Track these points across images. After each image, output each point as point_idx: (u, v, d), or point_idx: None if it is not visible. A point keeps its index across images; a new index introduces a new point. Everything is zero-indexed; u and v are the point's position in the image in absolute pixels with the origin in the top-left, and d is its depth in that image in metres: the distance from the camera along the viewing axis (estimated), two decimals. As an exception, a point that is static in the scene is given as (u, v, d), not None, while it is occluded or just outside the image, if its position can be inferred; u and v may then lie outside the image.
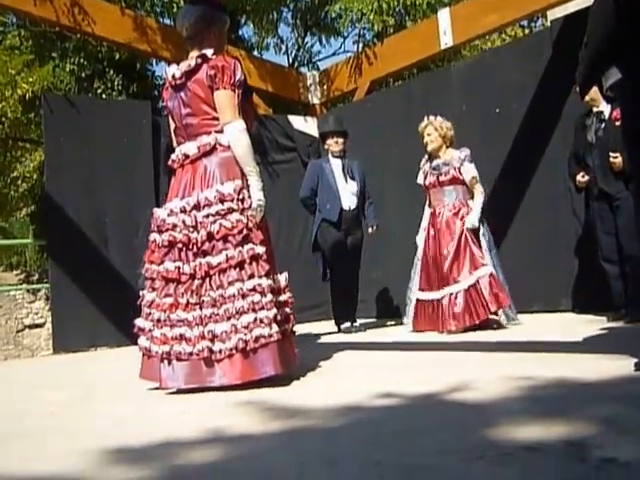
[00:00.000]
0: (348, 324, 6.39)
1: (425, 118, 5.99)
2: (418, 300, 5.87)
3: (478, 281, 5.54)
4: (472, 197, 5.82)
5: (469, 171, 5.75)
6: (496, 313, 5.59)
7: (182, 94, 3.59)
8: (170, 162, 3.68)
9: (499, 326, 5.62)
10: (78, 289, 7.03)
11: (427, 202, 6.05)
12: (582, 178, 5.32)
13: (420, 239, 6.00)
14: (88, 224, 7.29)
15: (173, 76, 3.62)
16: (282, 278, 3.60)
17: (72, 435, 2.49)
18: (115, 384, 3.98)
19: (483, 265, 5.60)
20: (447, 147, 5.90)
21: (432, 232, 5.86)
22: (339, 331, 6.44)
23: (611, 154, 5.01)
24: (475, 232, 5.71)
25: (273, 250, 3.64)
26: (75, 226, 7.20)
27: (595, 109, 5.27)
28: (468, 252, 5.64)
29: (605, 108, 5.20)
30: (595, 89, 4.88)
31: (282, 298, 3.54)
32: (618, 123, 4.89)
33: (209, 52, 3.54)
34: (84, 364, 5.83)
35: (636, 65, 2.73)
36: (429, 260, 5.84)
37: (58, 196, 7.19)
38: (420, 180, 6.04)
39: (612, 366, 2.97)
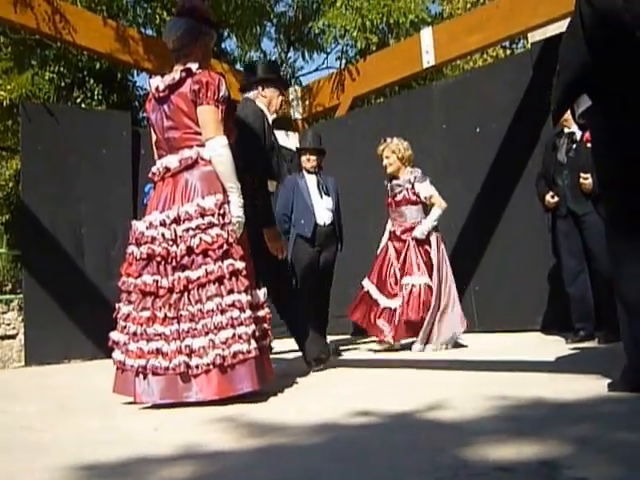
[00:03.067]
0: None
1: (382, 140, 6.13)
2: (368, 293, 5.99)
3: (411, 290, 5.72)
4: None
5: (422, 190, 5.91)
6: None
7: (165, 107, 3.58)
8: (150, 175, 3.66)
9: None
10: (52, 300, 6.97)
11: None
12: (552, 199, 5.36)
13: (384, 237, 6.18)
14: (64, 234, 7.24)
15: (157, 88, 3.61)
16: (260, 294, 3.59)
17: (42, 450, 2.46)
18: (88, 398, 3.94)
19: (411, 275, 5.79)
20: (405, 167, 6.05)
21: (390, 247, 6.05)
22: None
23: (582, 175, 5.07)
24: (423, 247, 5.84)
25: (252, 266, 3.63)
26: (50, 236, 7.14)
27: (567, 130, 5.32)
28: (408, 263, 5.82)
29: (577, 129, 5.25)
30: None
31: (260, 314, 3.52)
32: (590, 145, 4.97)
33: (194, 66, 3.53)
34: (57, 377, 5.77)
35: (606, 94, 2.84)
36: (382, 266, 6.02)
37: (34, 205, 7.13)
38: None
39: (586, 386, 2.99)
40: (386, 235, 6.14)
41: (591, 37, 2.75)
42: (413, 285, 5.73)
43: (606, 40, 2.71)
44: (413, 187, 5.91)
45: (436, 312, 5.69)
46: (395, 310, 5.76)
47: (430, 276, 5.76)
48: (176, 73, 3.56)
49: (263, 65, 5.16)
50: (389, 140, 6.07)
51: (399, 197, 5.98)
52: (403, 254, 5.87)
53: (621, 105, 2.81)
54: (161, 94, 3.59)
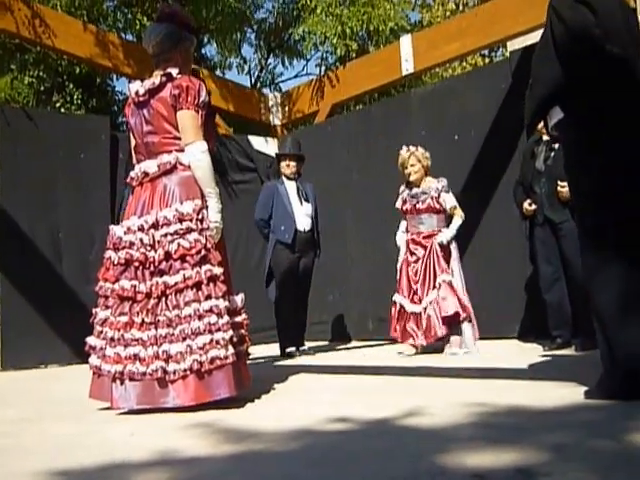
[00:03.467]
0: (293, 348, 6.33)
1: (405, 148, 6.12)
2: (401, 306, 5.98)
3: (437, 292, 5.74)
4: (447, 225, 6.00)
5: (448, 201, 5.96)
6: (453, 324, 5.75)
7: (144, 111, 3.57)
8: (129, 179, 3.64)
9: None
10: (30, 305, 6.91)
11: (405, 227, 6.20)
12: (529, 206, 5.38)
13: (402, 247, 6.15)
14: (42, 239, 7.18)
15: (136, 93, 3.59)
16: (238, 299, 3.57)
17: (19, 455, 2.44)
18: (65, 403, 3.90)
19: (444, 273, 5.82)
20: (426, 176, 6.08)
21: (409, 254, 6.04)
22: (282, 355, 6.36)
23: (559, 183, 5.09)
24: (445, 252, 5.88)
25: (230, 271, 3.62)
26: (29, 240, 7.08)
27: (545, 137, 5.34)
28: (432, 268, 5.83)
29: None
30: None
31: (238, 319, 3.51)
32: None
33: (174, 71, 3.52)
34: (34, 382, 5.72)
35: (579, 108, 2.99)
36: (407, 274, 6.01)
37: (12, 209, 7.06)
38: (398, 205, 6.18)
39: (563, 394, 3.01)
40: (404, 247, 6.11)
41: (563, 52, 2.91)
42: (451, 281, 5.76)
43: (578, 55, 2.87)
44: (439, 196, 5.95)
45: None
46: (420, 314, 5.77)
47: None
48: (156, 78, 3.55)
49: None
50: (413, 148, 6.09)
51: (422, 205, 5.98)
52: (425, 257, 5.86)
53: (592, 119, 2.93)
54: (141, 98, 3.58)
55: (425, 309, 5.72)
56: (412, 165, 6.04)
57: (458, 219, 5.97)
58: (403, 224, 6.20)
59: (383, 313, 7.57)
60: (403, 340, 5.98)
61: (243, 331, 3.54)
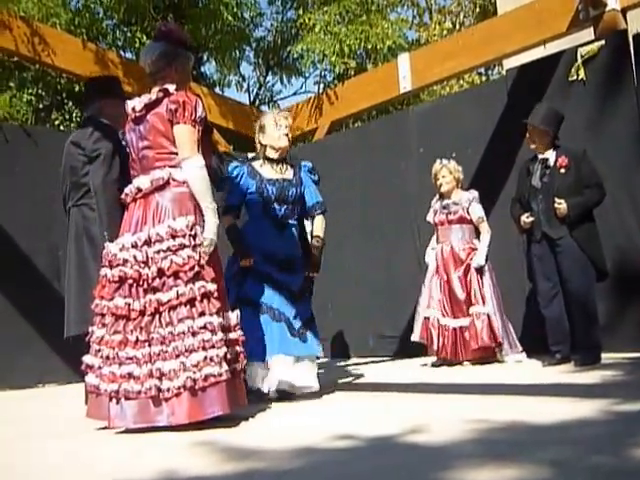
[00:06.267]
0: None
1: (438, 160, 6.33)
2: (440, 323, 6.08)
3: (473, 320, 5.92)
4: (478, 237, 6.19)
5: (476, 212, 6.14)
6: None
7: (141, 127, 3.57)
8: (123, 196, 3.64)
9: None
10: (27, 323, 6.87)
11: (435, 239, 6.38)
12: (527, 219, 5.36)
13: (431, 264, 6.28)
14: (40, 257, 7.16)
15: (133, 109, 3.60)
16: (233, 316, 3.54)
17: (16, 474, 2.43)
18: (63, 422, 3.89)
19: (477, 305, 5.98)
20: (457, 188, 6.28)
21: (440, 265, 6.18)
22: None
23: (556, 199, 5.12)
24: (480, 271, 6.04)
25: (225, 287, 3.62)
26: (27, 259, 7.07)
27: (540, 155, 5.38)
28: (472, 289, 6.02)
29: (550, 155, 5.32)
30: (541, 136, 5.26)
31: (233, 336, 3.47)
32: (563, 170, 5.13)
33: (171, 87, 3.53)
34: (31, 401, 5.70)
35: None
36: (441, 287, 6.15)
37: (11, 227, 7.06)
38: (430, 218, 6.38)
39: (562, 409, 3.01)
40: (433, 264, 6.24)
41: None
42: (482, 313, 5.92)
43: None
44: (470, 206, 6.13)
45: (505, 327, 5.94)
46: (456, 330, 5.96)
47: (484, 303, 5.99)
48: (153, 94, 3.56)
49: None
50: (445, 161, 6.29)
51: (454, 216, 6.17)
52: (461, 279, 6.04)
53: None
54: (138, 114, 3.58)
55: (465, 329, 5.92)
56: (444, 176, 6.25)
57: (486, 235, 6.13)
58: (433, 240, 6.38)
59: (383, 330, 7.59)
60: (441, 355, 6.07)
61: (238, 348, 3.51)
